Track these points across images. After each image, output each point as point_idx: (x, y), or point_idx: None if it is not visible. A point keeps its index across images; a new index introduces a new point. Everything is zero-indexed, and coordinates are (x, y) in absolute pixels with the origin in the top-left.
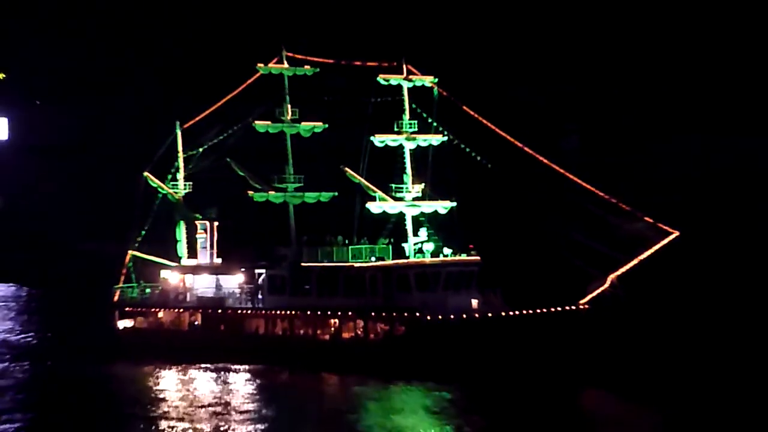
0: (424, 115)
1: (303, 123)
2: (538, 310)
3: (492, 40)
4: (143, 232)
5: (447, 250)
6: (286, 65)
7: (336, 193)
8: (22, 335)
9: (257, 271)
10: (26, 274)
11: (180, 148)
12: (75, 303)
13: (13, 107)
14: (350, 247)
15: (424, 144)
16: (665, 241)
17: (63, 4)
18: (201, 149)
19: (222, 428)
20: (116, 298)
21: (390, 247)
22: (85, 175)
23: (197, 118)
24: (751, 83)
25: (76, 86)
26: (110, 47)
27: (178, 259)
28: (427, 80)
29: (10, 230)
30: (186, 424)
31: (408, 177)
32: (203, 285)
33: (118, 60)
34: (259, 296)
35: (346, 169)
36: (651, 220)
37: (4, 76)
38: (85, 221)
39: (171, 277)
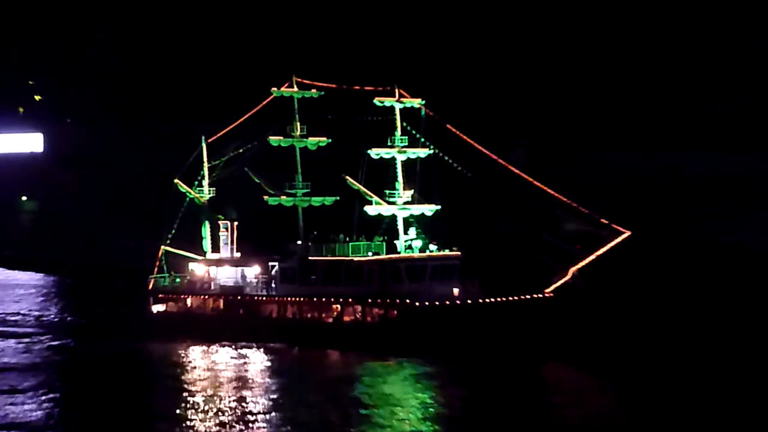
0: (413, 132)
1: (310, 138)
2: (511, 298)
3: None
4: (173, 231)
5: (433, 246)
6: (296, 89)
7: (338, 198)
8: (68, 318)
9: (270, 263)
10: (68, 266)
11: (205, 159)
12: (114, 291)
13: (47, 124)
14: (350, 243)
15: (413, 156)
16: (618, 240)
17: (91, 31)
18: (223, 160)
19: (240, 397)
20: (150, 286)
21: (384, 243)
22: (120, 182)
23: (220, 134)
24: (673, 105)
25: (105, 107)
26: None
27: (203, 253)
28: (416, 102)
29: (51, 229)
30: (210, 394)
31: (399, 184)
32: (225, 275)
33: (147, 82)
34: (273, 285)
35: (347, 177)
36: (606, 222)
37: (40, 97)
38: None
39: (198, 268)
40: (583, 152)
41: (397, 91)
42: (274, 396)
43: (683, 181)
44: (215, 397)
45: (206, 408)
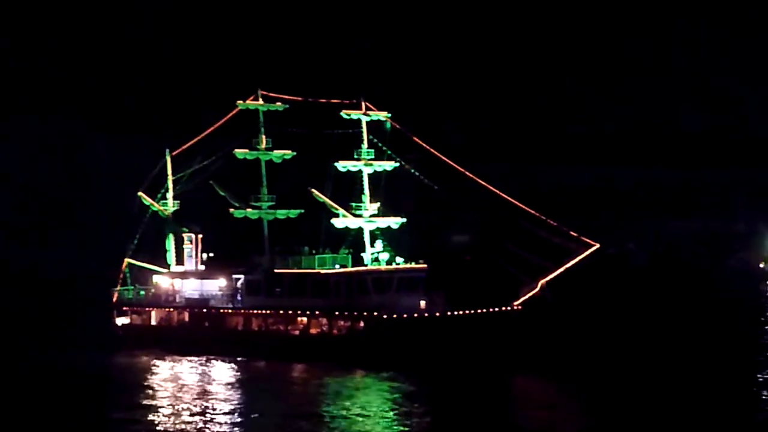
0: (379, 144)
1: (275, 151)
2: (478, 310)
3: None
4: (135, 242)
5: (399, 259)
6: (261, 102)
7: (302, 211)
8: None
9: (235, 276)
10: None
11: (169, 171)
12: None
13: None
14: (316, 256)
15: (379, 169)
16: (587, 252)
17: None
18: (188, 172)
19: (205, 410)
20: (115, 298)
21: (350, 256)
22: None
23: (184, 146)
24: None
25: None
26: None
27: (167, 266)
28: (382, 115)
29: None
30: (174, 408)
31: (366, 197)
32: (190, 288)
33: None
34: (238, 297)
35: (313, 190)
36: (575, 234)
37: None
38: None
39: (162, 281)
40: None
41: (363, 104)
42: (240, 410)
43: (569, 192)
44: (180, 411)
45: (170, 422)
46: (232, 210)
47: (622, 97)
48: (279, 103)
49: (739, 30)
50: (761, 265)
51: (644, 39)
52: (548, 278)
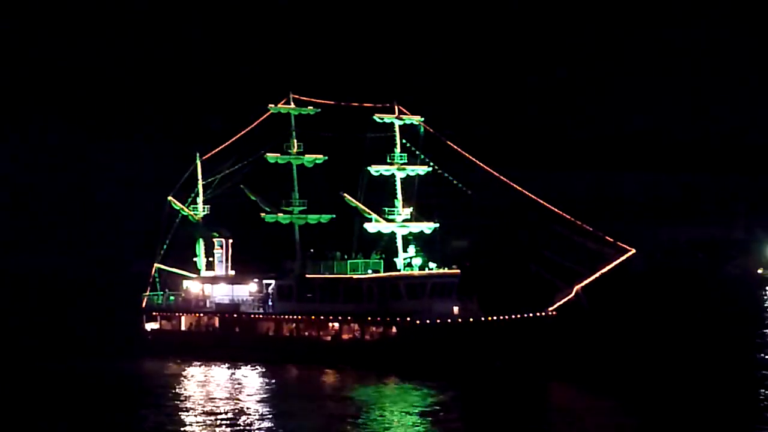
0: (413, 148)
1: (307, 155)
2: (513, 316)
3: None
4: (164, 248)
5: (432, 264)
6: (292, 105)
7: (334, 216)
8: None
9: (266, 281)
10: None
11: (200, 176)
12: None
13: None
14: (348, 261)
15: (412, 174)
16: (623, 258)
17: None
18: (218, 177)
19: (236, 417)
20: (144, 304)
21: (381, 261)
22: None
23: (215, 151)
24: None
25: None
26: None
27: (197, 271)
28: (415, 119)
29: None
30: (203, 413)
31: (399, 202)
32: (221, 293)
33: (142, 103)
34: (269, 303)
35: (345, 195)
36: (611, 239)
37: None
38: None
39: (192, 286)
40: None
41: (396, 107)
42: (271, 417)
43: (567, 197)
44: (210, 418)
45: (200, 430)
46: (263, 215)
47: (621, 104)
48: (311, 107)
49: (740, 36)
50: (759, 272)
51: (645, 46)
52: (584, 283)
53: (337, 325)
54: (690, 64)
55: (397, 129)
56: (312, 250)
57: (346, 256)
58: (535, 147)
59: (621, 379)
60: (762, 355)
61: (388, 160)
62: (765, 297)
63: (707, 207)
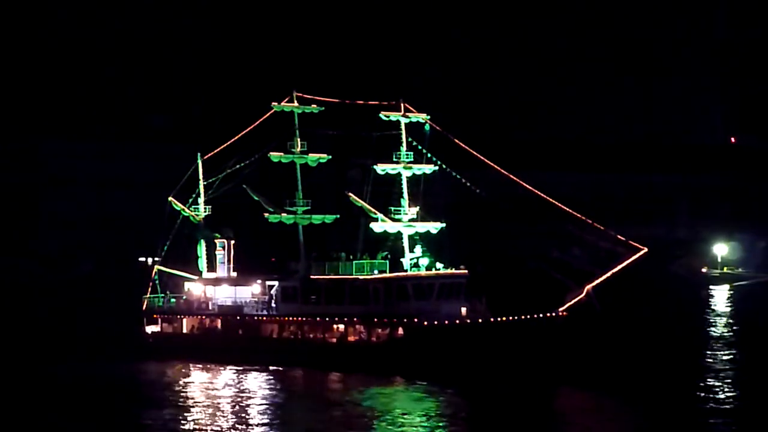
0: (419, 146)
1: (310, 154)
2: (522, 317)
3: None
4: (165, 248)
5: (439, 265)
6: (296, 104)
7: (338, 216)
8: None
9: (270, 282)
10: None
11: (201, 175)
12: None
13: None
14: (354, 262)
15: (418, 172)
16: (636, 257)
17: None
18: (220, 176)
19: (239, 421)
20: (145, 306)
21: (387, 262)
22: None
23: (217, 150)
24: None
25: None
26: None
27: (198, 273)
28: (422, 117)
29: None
30: (205, 418)
31: (405, 201)
32: (223, 295)
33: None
34: (273, 304)
35: (350, 194)
36: (623, 238)
37: None
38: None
39: (194, 288)
40: None
41: (402, 105)
42: (275, 421)
43: (513, 197)
44: (212, 422)
45: None
46: (266, 215)
47: (565, 105)
48: (314, 106)
49: (683, 36)
50: (704, 270)
51: (587, 46)
52: (595, 283)
53: (342, 327)
54: (635, 64)
55: (403, 127)
56: (314, 254)
57: (351, 257)
58: (480, 147)
59: (627, 380)
60: (709, 352)
61: (394, 159)
62: (709, 296)
63: (651, 207)
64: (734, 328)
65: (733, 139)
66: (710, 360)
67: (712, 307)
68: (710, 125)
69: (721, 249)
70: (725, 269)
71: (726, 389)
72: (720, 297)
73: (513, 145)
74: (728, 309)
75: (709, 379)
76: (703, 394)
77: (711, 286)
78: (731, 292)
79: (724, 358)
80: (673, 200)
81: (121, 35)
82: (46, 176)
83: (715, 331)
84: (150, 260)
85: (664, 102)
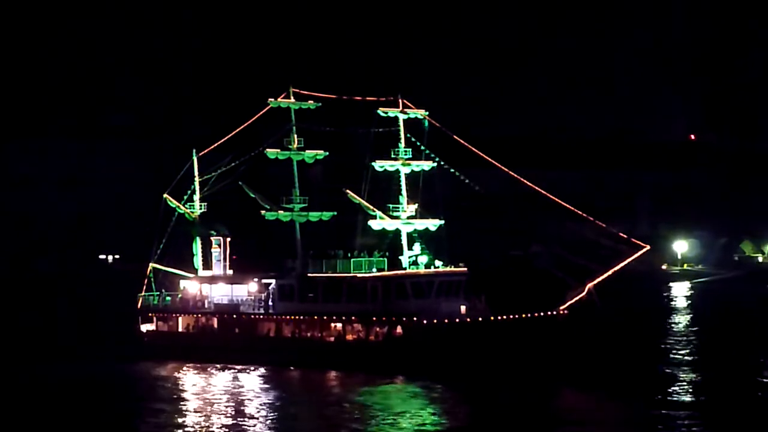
0: (417, 143)
1: (307, 151)
2: (523, 315)
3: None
4: (161, 246)
5: (438, 262)
6: (292, 100)
7: (335, 213)
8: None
9: (266, 281)
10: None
11: (196, 172)
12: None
13: None
14: (352, 259)
15: (417, 169)
16: (638, 254)
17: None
18: (215, 173)
19: (236, 422)
20: (139, 304)
21: (386, 259)
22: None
23: (212, 146)
24: None
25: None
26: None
27: (193, 270)
28: (420, 113)
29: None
30: (201, 418)
31: (403, 198)
32: (219, 293)
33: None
34: (270, 303)
35: (348, 191)
36: (624, 236)
37: None
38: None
39: (190, 286)
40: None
41: (400, 101)
42: (272, 421)
43: (473, 195)
44: (208, 422)
45: None
46: (263, 212)
47: (525, 100)
48: (311, 102)
49: (644, 35)
50: (663, 267)
51: (548, 43)
52: (596, 281)
53: (340, 325)
54: (594, 61)
55: (401, 123)
56: (311, 251)
57: (349, 255)
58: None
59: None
60: (668, 350)
61: (393, 156)
62: (669, 292)
63: (612, 203)
64: (694, 323)
65: (692, 137)
66: (673, 355)
67: (673, 303)
68: (670, 123)
69: (681, 246)
70: (685, 266)
71: (685, 384)
72: (680, 293)
73: (471, 142)
74: (687, 305)
75: (669, 373)
76: (663, 392)
77: (671, 283)
78: (691, 289)
79: (683, 353)
80: (634, 197)
81: (121, 37)
82: (6, 175)
83: (677, 327)
84: (111, 258)
85: (624, 100)
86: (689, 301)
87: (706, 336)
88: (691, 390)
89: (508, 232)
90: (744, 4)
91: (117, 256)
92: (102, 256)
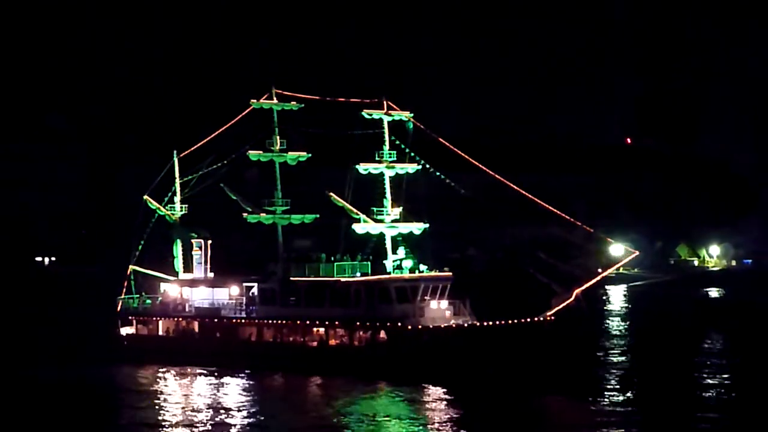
0: (402, 145)
1: (290, 153)
2: (508, 321)
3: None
4: (140, 248)
5: (423, 267)
6: (275, 101)
7: (318, 216)
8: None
9: (248, 284)
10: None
11: (177, 174)
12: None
13: None
14: (335, 263)
15: (401, 172)
16: (627, 259)
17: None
18: (197, 175)
19: (216, 428)
20: (119, 307)
21: (369, 263)
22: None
23: (193, 148)
24: None
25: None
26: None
27: (174, 273)
28: (405, 114)
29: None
30: (181, 423)
31: (388, 201)
32: (200, 296)
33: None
34: (251, 307)
35: (331, 194)
36: (611, 241)
37: None
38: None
39: (170, 289)
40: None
41: (385, 103)
42: (253, 426)
43: (412, 198)
44: (188, 428)
45: None
46: (245, 215)
47: (461, 104)
48: (294, 103)
49: (581, 37)
50: (599, 271)
51: (482, 46)
52: (584, 287)
53: (323, 330)
54: (531, 64)
55: (386, 125)
56: (293, 254)
57: (332, 258)
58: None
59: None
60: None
61: (377, 158)
62: (604, 296)
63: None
64: (629, 327)
65: (628, 140)
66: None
67: (609, 306)
68: (606, 126)
69: (617, 250)
70: (621, 270)
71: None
72: (616, 297)
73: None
74: (624, 308)
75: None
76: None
77: (607, 287)
78: (626, 293)
79: (617, 357)
80: (569, 201)
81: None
82: None
83: (615, 330)
84: (47, 260)
85: (559, 103)
86: (626, 305)
87: (640, 339)
88: (621, 391)
89: (450, 235)
90: (680, 10)
91: (53, 259)
92: (38, 258)
